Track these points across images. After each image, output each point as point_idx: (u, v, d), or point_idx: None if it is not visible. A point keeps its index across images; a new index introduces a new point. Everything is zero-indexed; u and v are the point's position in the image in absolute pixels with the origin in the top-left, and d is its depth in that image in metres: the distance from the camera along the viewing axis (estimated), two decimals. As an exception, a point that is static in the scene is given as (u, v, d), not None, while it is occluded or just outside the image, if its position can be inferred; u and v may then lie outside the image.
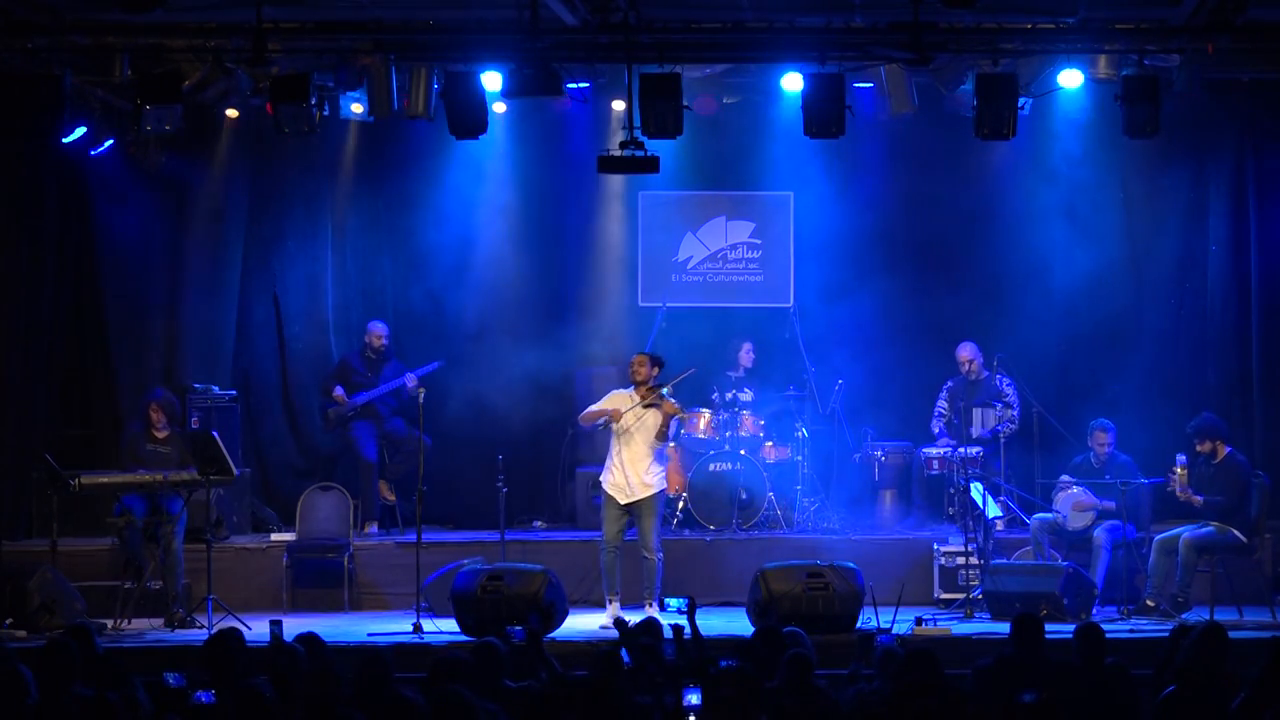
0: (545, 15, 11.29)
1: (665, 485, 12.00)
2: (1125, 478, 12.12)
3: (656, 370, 11.89)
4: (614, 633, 11.02)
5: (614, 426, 11.77)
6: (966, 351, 13.67)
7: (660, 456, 11.86)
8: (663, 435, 11.77)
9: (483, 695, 6.93)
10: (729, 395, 13.77)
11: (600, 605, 11.93)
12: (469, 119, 11.93)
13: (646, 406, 11.74)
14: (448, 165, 14.46)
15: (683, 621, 9.00)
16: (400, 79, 12.54)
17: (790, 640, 8.06)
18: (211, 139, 14.16)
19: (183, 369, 14.22)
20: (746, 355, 14.09)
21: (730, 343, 14.18)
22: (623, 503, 11.76)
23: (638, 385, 11.83)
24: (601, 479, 11.95)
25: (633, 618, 11.04)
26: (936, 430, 13.63)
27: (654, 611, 11.36)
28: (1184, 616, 11.29)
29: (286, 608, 12.45)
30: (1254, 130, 14.12)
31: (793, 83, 12.25)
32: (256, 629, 10.36)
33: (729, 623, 11.48)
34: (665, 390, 11.74)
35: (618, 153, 11.74)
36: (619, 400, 11.88)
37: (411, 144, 14.34)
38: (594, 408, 11.93)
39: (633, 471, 11.73)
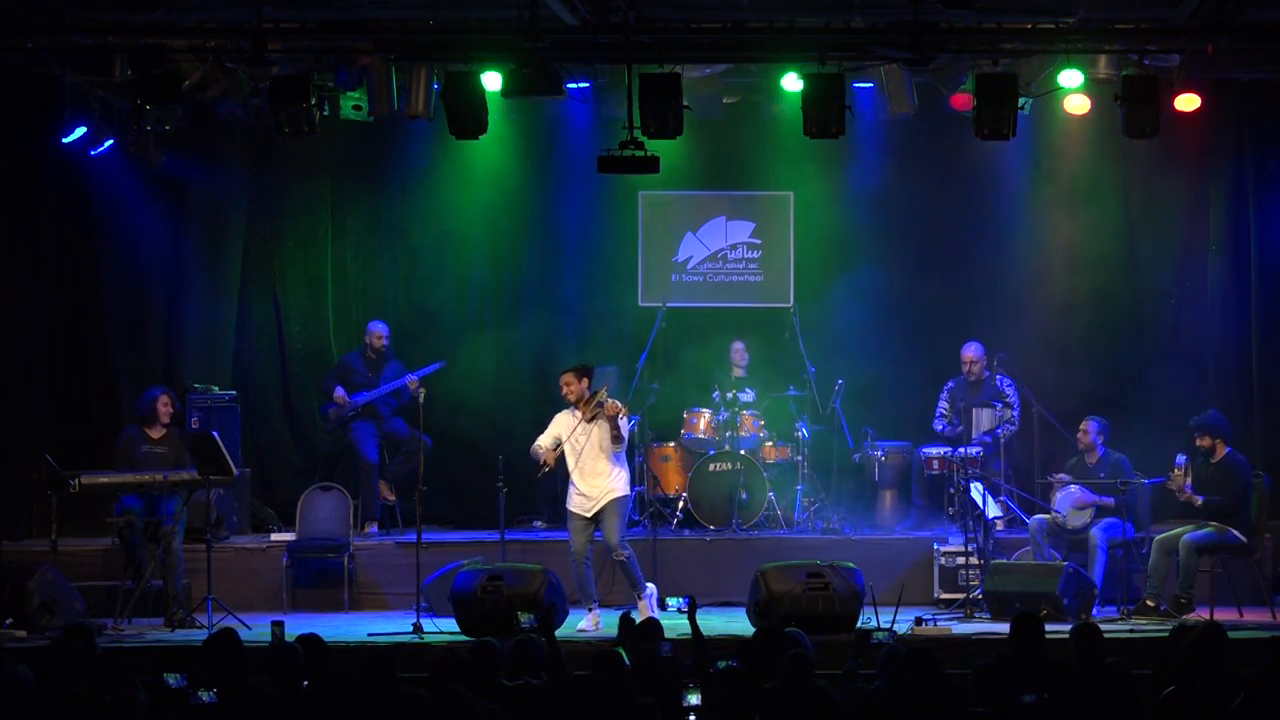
0: (545, 15, 11.29)
1: (628, 489, 11.89)
2: (1121, 476, 12.12)
3: (586, 380, 11.82)
4: (590, 634, 11.10)
5: (565, 448, 11.70)
6: (972, 351, 13.66)
7: (619, 460, 11.76)
8: (617, 438, 11.64)
9: (481, 694, 6.93)
10: (729, 395, 13.76)
11: (601, 605, 11.93)
12: (469, 119, 11.92)
13: (590, 421, 11.67)
14: (448, 165, 14.45)
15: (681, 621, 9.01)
16: (400, 79, 12.55)
17: (790, 640, 8.06)
18: (211, 139, 14.17)
19: (183, 369, 14.23)
20: (739, 355, 14.10)
21: (728, 343, 14.20)
22: (589, 516, 11.70)
23: (575, 404, 11.76)
24: (566, 502, 11.85)
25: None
26: (941, 427, 13.61)
27: (644, 604, 11.38)
28: (1185, 616, 11.29)
29: (286, 608, 12.45)
30: (1254, 130, 14.12)
31: (793, 83, 12.25)
32: (257, 629, 10.36)
33: (729, 623, 11.48)
34: (600, 398, 11.65)
35: (618, 153, 11.74)
36: (563, 423, 11.78)
37: (411, 144, 14.34)
38: (544, 441, 11.75)
39: (594, 485, 11.66)
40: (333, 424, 13.85)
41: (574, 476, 11.73)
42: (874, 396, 14.16)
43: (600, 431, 11.67)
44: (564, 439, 11.70)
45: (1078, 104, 12.82)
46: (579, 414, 11.73)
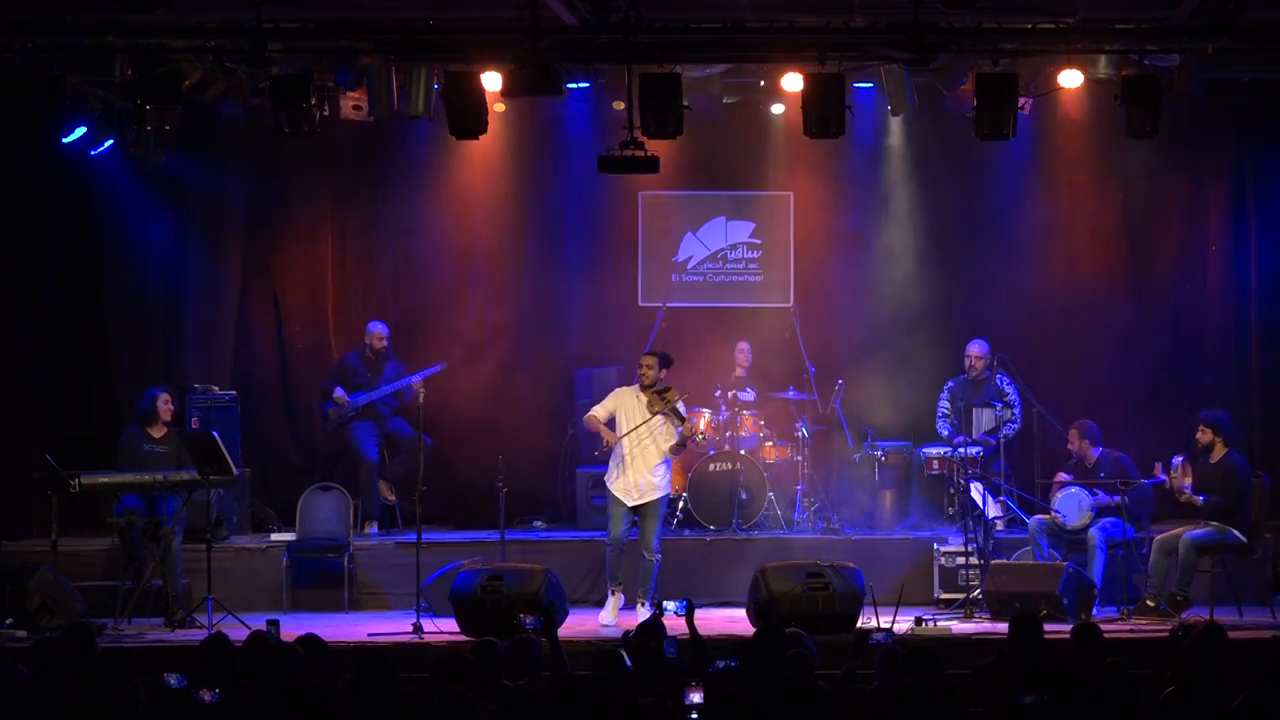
0: (545, 15, 11.29)
1: (670, 488, 12.09)
2: (1121, 475, 12.12)
3: (665, 372, 11.93)
4: (613, 632, 11.13)
5: (621, 427, 11.83)
6: (977, 348, 13.63)
7: (665, 459, 11.94)
8: (676, 451, 11.96)
9: (482, 695, 6.93)
10: (729, 395, 13.77)
11: (601, 605, 11.97)
12: (469, 119, 11.92)
13: (657, 413, 11.79)
14: (448, 165, 14.46)
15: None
16: (400, 79, 12.54)
17: (791, 640, 8.05)
18: (211, 139, 14.17)
19: (183, 369, 14.23)
20: (743, 355, 14.09)
21: (728, 343, 14.20)
22: (630, 505, 11.82)
23: (645, 388, 11.86)
24: (607, 480, 11.99)
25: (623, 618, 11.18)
26: (945, 431, 13.59)
27: (644, 610, 11.42)
28: (1184, 616, 11.28)
29: (286, 608, 12.45)
30: (1253, 131, 14.12)
31: (793, 83, 12.25)
32: (256, 629, 10.33)
33: (729, 623, 11.48)
34: (673, 399, 11.78)
35: (618, 153, 11.75)
36: (623, 400, 11.92)
37: (411, 144, 14.33)
38: (598, 413, 11.98)
39: (643, 476, 11.82)
40: (332, 424, 13.85)
41: (624, 460, 11.86)
42: (874, 396, 14.16)
43: (666, 430, 11.83)
44: (621, 421, 11.84)
45: (1077, 103, 12.83)
46: (643, 398, 11.81)
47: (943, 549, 12.64)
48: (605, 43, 11.84)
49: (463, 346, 14.52)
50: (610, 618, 11.73)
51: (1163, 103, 11.75)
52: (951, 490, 13.07)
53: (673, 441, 11.89)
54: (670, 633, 8.60)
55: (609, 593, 11.89)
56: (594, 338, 14.57)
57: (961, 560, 12.45)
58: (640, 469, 11.82)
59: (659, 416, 11.82)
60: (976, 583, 12.09)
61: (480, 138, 12.21)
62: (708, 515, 13.34)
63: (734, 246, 14.92)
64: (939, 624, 11.36)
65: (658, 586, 11.81)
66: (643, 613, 11.47)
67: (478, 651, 7.76)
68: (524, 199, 14.73)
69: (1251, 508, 12.00)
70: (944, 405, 13.72)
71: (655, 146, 11.83)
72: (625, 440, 11.82)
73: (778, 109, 13.74)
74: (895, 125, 13.70)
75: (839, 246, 14.59)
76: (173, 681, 7.11)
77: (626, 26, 11.56)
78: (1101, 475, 12.28)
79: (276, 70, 12.06)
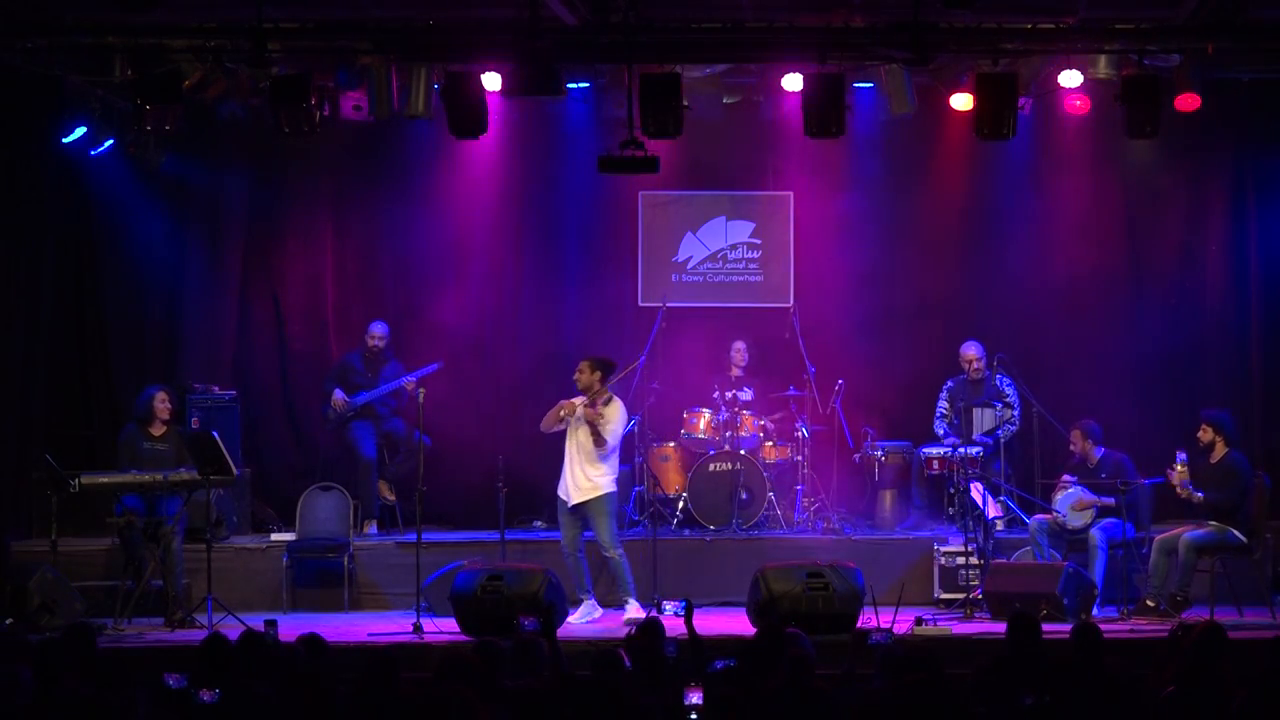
0: (545, 15, 11.30)
1: (615, 488, 12.00)
2: (1122, 476, 12.12)
3: (599, 374, 11.93)
4: (587, 632, 11.16)
5: (567, 431, 11.87)
6: (972, 350, 13.66)
7: (609, 460, 11.91)
8: (599, 441, 11.82)
9: (483, 695, 6.93)
10: (729, 395, 13.77)
11: (605, 606, 11.98)
12: (469, 119, 11.93)
13: (586, 421, 11.85)
14: (448, 165, 14.46)
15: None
16: (400, 79, 12.55)
17: (790, 640, 8.05)
18: (211, 139, 14.17)
19: (183, 369, 14.23)
20: (739, 354, 14.09)
21: (728, 343, 14.21)
22: (570, 504, 11.88)
23: (582, 392, 11.93)
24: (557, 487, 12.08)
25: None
26: (941, 431, 13.62)
27: (635, 612, 11.42)
28: (1184, 616, 11.29)
29: (286, 608, 12.45)
30: (1253, 130, 14.12)
31: (793, 83, 12.26)
32: (249, 628, 10.35)
33: (729, 623, 11.48)
34: (589, 398, 11.83)
35: (618, 153, 11.75)
36: (567, 407, 11.97)
37: (411, 144, 14.33)
38: (547, 415, 12.05)
39: (579, 473, 11.87)
40: (332, 425, 13.85)
41: (565, 459, 11.95)
42: (874, 396, 14.17)
43: (590, 428, 11.81)
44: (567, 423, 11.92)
45: (1078, 104, 12.83)
46: (585, 402, 11.84)
47: (943, 549, 12.64)
48: (605, 43, 11.86)
49: (462, 346, 14.52)
50: (578, 616, 11.76)
51: (1162, 103, 11.75)
52: (951, 490, 13.07)
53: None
54: (670, 633, 8.60)
55: (579, 597, 11.88)
56: (594, 338, 14.55)
57: (961, 560, 12.45)
58: (577, 467, 11.86)
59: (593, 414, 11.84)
60: (976, 583, 12.09)
61: (480, 138, 12.22)
62: (708, 515, 13.34)
63: (734, 246, 14.92)
64: (939, 624, 11.36)
65: (636, 583, 11.84)
66: (629, 609, 11.51)
67: (479, 651, 7.76)
68: (524, 199, 14.73)
69: (1252, 507, 12.00)
70: (943, 405, 13.74)
71: (655, 146, 11.84)
72: (566, 441, 11.89)
73: (778, 109, 13.66)
74: (895, 125, 13.70)
75: (839, 246, 14.58)
76: (173, 681, 7.11)
77: (626, 26, 11.57)
78: (1103, 476, 12.28)
79: (276, 70, 12.08)
